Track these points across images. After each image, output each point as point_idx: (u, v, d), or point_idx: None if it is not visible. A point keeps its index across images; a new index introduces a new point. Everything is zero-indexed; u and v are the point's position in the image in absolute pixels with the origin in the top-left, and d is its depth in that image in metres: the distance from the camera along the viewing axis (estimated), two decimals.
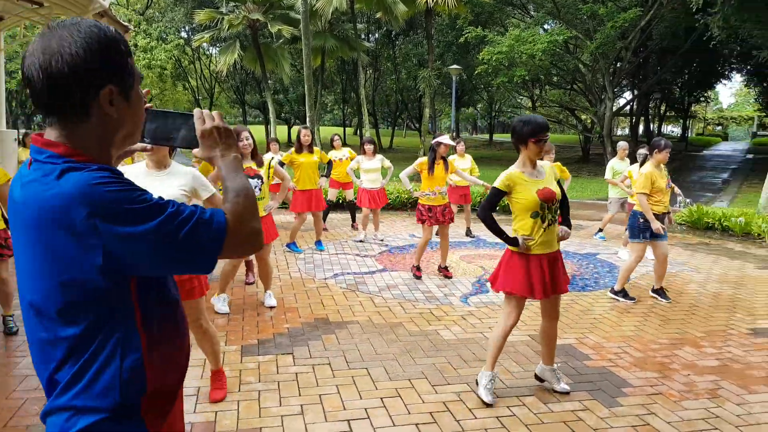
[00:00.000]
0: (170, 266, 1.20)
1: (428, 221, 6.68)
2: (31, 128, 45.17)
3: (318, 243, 8.36)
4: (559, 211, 3.73)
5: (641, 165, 7.89)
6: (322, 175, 8.22)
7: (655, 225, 5.71)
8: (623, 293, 6.10)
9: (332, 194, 9.83)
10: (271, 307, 5.58)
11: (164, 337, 1.27)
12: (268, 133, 36.99)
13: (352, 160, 9.12)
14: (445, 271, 6.88)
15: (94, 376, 1.17)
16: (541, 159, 3.76)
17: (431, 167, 6.59)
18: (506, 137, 62.95)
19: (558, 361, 4.38)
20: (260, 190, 5.28)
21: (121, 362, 1.19)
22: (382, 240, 8.97)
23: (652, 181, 5.87)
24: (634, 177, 8.06)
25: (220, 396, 3.68)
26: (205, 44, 29.07)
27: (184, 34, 37.82)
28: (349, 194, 9.78)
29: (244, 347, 4.57)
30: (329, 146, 10.08)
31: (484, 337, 4.89)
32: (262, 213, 4.54)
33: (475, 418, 3.51)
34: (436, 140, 6.63)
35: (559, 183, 3.75)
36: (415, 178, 7.00)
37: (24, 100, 37.87)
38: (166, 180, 3.29)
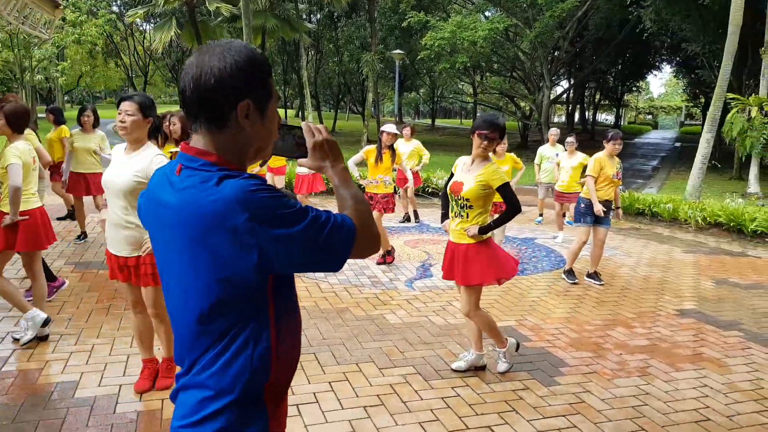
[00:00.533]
0: (310, 265, 1.33)
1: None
2: None
3: None
4: (469, 209, 3.79)
5: (569, 152, 8.26)
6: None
7: (597, 207, 6.01)
8: (569, 273, 6.44)
9: (280, 181, 9.69)
10: None
11: (288, 331, 1.39)
12: None
13: None
14: (381, 259, 6.89)
15: (229, 362, 1.29)
16: (485, 155, 3.78)
17: (379, 156, 6.63)
18: (448, 122, 63.75)
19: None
20: None
21: (253, 351, 1.30)
22: None
23: (601, 167, 6.15)
24: (562, 165, 8.39)
25: (168, 384, 3.60)
26: (138, 20, 27.89)
27: (115, 8, 36.14)
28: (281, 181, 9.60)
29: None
30: None
31: (429, 321, 5.01)
32: None
33: (421, 399, 3.61)
34: (381, 129, 6.68)
35: (505, 188, 3.74)
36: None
37: None
38: (128, 164, 3.18)
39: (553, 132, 9.64)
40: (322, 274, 6.31)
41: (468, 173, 3.78)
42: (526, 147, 32.73)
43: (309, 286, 5.87)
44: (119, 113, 3.16)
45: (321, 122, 33.99)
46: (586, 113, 46.28)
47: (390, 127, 6.67)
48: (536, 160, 9.67)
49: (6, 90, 38.86)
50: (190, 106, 1.31)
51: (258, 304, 1.31)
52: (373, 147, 6.71)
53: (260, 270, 1.26)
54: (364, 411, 3.44)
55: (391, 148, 6.72)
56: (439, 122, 58.16)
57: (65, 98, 43.31)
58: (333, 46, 36.02)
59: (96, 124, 7.15)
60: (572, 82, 35.49)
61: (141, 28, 39.20)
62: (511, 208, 3.78)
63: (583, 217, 6.23)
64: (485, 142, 3.66)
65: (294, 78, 39.94)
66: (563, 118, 52.89)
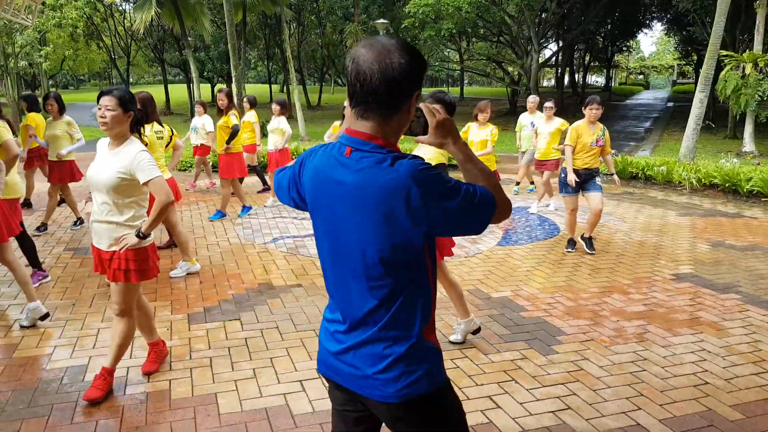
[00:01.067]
0: (461, 230, 1.58)
1: None
2: None
3: (218, 213, 7.98)
4: None
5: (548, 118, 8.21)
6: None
7: (570, 177, 6.00)
8: (569, 243, 6.46)
9: (248, 158, 9.61)
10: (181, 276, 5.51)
11: (435, 283, 1.65)
12: (191, 92, 35.60)
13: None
14: None
15: (401, 313, 1.57)
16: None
17: None
18: (434, 90, 63.22)
19: (495, 313, 4.62)
20: None
21: (420, 302, 1.60)
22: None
23: (579, 134, 6.11)
24: (540, 131, 8.37)
25: (155, 368, 3.64)
26: (117, 0, 27.33)
27: None
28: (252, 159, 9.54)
29: (191, 315, 4.54)
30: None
31: None
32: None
33: None
34: (343, 105, 6.57)
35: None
36: None
37: None
38: (111, 160, 3.14)
39: (531, 99, 9.54)
40: (316, 251, 6.32)
41: (426, 155, 3.72)
42: (515, 113, 32.62)
43: (305, 264, 5.89)
44: (99, 108, 3.10)
45: (306, 96, 33.63)
46: (576, 76, 46.05)
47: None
48: (516, 128, 9.75)
49: None
50: (367, 96, 1.51)
51: (420, 263, 1.57)
52: (338, 123, 6.63)
53: (426, 236, 1.54)
54: None
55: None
56: (425, 90, 57.69)
57: (50, 83, 42.59)
58: (315, 17, 35.46)
59: (62, 110, 7.05)
60: (561, 45, 35.15)
61: (121, 9, 38.42)
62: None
63: (564, 187, 6.22)
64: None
65: (277, 52, 39.36)
66: (552, 82, 52.61)
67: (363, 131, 1.55)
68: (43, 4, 24.64)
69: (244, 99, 9.21)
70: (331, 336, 1.69)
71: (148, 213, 3.29)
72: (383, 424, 1.76)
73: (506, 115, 32.69)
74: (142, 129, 3.33)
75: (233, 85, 17.91)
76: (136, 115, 3.19)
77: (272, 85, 47.48)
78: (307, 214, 8.04)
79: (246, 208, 8.16)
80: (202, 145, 9.99)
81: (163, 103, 37.84)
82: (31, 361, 3.79)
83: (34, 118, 7.58)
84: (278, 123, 8.29)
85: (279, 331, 4.27)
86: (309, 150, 1.74)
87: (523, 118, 9.53)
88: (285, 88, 41.72)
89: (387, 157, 1.51)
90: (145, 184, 3.13)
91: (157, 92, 41.39)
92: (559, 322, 4.46)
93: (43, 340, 4.10)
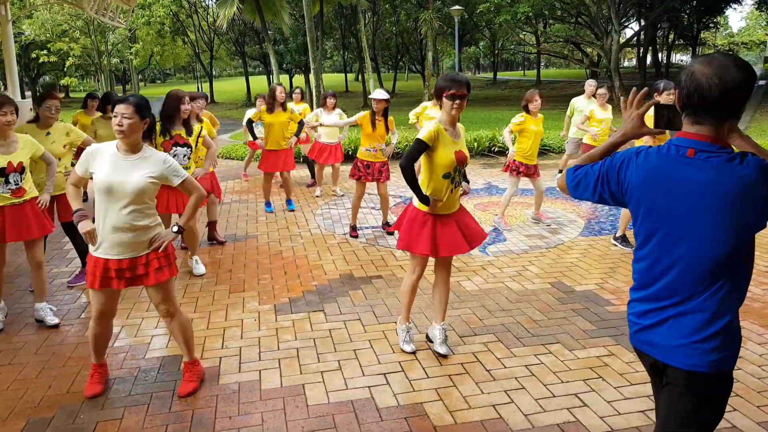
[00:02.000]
0: None
1: (364, 177, 6.56)
2: (36, 93, 44.77)
3: (288, 202, 8.16)
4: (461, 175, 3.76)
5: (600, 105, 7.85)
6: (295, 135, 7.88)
7: None
8: (622, 239, 6.12)
9: (304, 150, 9.79)
10: (201, 275, 5.50)
11: (752, 267, 1.85)
12: (270, 84, 36.56)
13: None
14: (387, 227, 6.86)
15: (730, 293, 1.79)
16: (457, 118, 3.65)
17: (373, 124, 6.44)
18: (511, 75, 61.97)
19: (579, 307, 4.54)
20: (188, 158, 5.29)
21: (743, 285, 1.82)
22: (342, 195, 8.93)
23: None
24: (596, 116, 8.04)
25: (189, 389, 3.46)
26: None
27: None
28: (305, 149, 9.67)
29: (277, 306, 4.74)
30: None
31: (507, 287, 5.04)
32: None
33: (505, 367, 3.68)
34: (370, 97, 6.55)
35: None
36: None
37: (27, 64, 37.34)
38: (137, 165, 3.14)
39: (591, 83, 9.05)
40: (394, 242, 6.42)
41: (457, 138, 3.64)
42: (595, 96, 31.48)
43: (384, 255, 6.00)
44: (115, 116, 3.08)
45: (381, 84, 33.87)
46: (660, 55, 43.80)
47: (379, 94, 6.46)
48: (567, 112, 9.20)
49: (84, 74, 40.69)
50: (705, 105, 1.73)
51: (751, 248, 1.80)
52: (366, 113, 6.51)
53: (762, 225, 1.75)
54: (449, 379, 3.55)
55: (385, 114, 6.52)
56: (500, 75, 56.66)
57: (139, 77, 44.93)
58: (389, 6, 35.51)
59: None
60: (643, 24, 33.54)
61: (204, 5, 39.93)
62: None
63: None
64: (458, 101, 3.50)
65: (352, 42, 39.73)
66: (634, 62, 50.28)
67: (704, 134, 1.77)
68: (136, 5, 26.04)
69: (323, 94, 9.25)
70: (644, 314, 1.93)
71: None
72: None
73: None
74: (154, 135, 3.39)
75: (311, 76, 18.28)
76: (151, 122, 3.22)
77: (347, 74, 48.04)
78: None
79: (268, 205, 8.14)
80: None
81: (245, 95, 39.10)
82: (130, 350, 4.08)
83: (80, 117, 7.98)
84: (339, 115, 8.59)
85: (361, 323, 4.39)
86: (627, 152, 1.95)
87: (578, 102, 9.04)
88: (360, 76, 42.06)
89: (735, 156, 1.74)
90: (180, 185, 3.28)
91: (238, 84, 42.82)
92: None
93: (141, 330, 4.40)
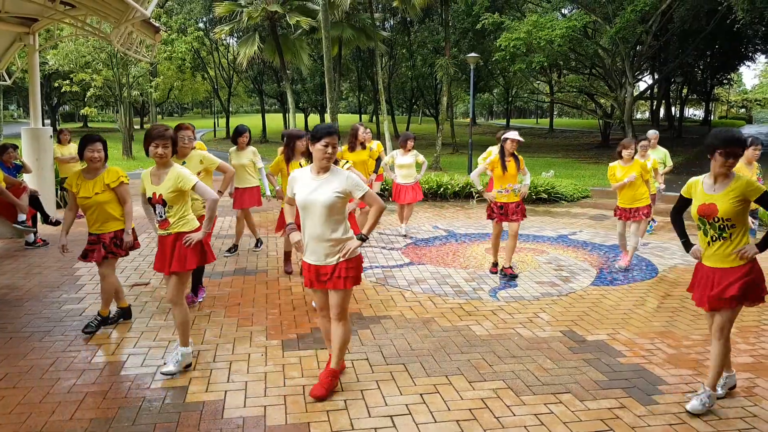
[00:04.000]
0: None
1: (498, 218, 6.67)
2: (56, 121, 45.78)
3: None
4: (732, 229, 3.54)
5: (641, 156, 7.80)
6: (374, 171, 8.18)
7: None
8: None
9: (376, 187, 9.86)
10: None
11: None
12: (286, 122, 37.11)
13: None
14: (508, 270, 6.74)
15: None
16: (728, 172, 3.56)
17: (503, 165, 6.49)
18: (524, 122, 62.57)
19: (590, 357, 4.48)
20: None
21: None
22: (405, 235, 8.98)
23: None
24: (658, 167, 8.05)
25: (319, 393, 3.76)
26: (223, 35, 29.23)
27: (201, 25, 37.97)
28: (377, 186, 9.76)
29: (285, 342, 4.71)
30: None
31: (516, 333, 4.98)
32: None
33: (514, 415, 3.61)
34: (503, 136, 6.56)
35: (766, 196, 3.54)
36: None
37: (49, 93, 38.27)
38: (324, 184, 3.61)
39: (653, 134, 9.04)
40: (405, 282, 6.40)
41: (716, 192, 3.57)
42: (607, 146, 31.65)
43: (394, 295, 5.97)
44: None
45: (394, 126, 34.24)
46: (673, 108, 44.16)
47: (513, 134, 6.53)
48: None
49: (104, 105, 41.51)
50: None
51: None
52: (496, 156, 6.56)
53: None
54: (458, 425, 3.48)
55: (514, 155, 6.57)
56: (513, 122, 57.24)
57: (157, 110, 45.82)
58: (406, 51, 36.25)
59: (249, 142, 7.60)
60: (656, 77, 33.95)
61: (225, 43, 40.97)
62: None
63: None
64: (731, 160, 3.51)
65: (368, 84, 40.43)
66: (647, 115, 50.68)
67: None
68: (160, 41, 26.80)
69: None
70: None
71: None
72: None
73: (598, 147, 31.81)
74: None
75: (327, 116, 18.56)
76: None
77: (362, 115, 48.73)
78: (395, 244, 8.21)
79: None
80: None
81: (260, 132, 39.70)
82: (136, 379, 4.05)
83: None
84: (415, 156, 8.87)
85: (369, 363, 4.34)
86: None
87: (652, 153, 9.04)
88: (374, 117, 42.65)
89: None
90: (361, 198, 3.68)
91: (254, 121, 43.60)
92: (659, 371, 4.25)
93: (149, 360, 4.38)
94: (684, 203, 3.81)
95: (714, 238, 3.59)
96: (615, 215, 7.16)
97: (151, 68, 27.50)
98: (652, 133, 8.86)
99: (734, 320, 3.65)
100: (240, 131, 7.49)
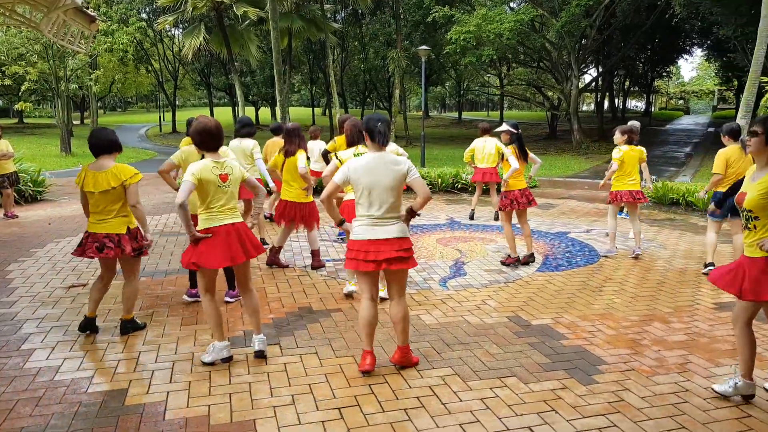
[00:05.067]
0: None
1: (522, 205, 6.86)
2: (10, 116, 43.46)
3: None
4: (755, 220, 3.43)
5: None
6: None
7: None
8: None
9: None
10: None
11: None
12: (235, 115, 36.47)
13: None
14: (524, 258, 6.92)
15: None
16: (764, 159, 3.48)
17: (520, 155, 6.68)
18: (475, 115, 63.26)
19: (535, 341, 4.58)
20: None
21: None
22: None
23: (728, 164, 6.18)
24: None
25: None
26: (168, 26, 28.43)
27: (144, 15, 36.84)
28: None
29: (232, 339, 4.63)
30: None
31: (465, 321, 5.05)
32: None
33: (461, 401, 3.66)
34: (500, 129, 6.78)
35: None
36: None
37: None
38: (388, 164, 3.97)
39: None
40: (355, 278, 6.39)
41: (752, 181, 3.49)
42: (555, 138, 32.38)
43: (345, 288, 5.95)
44: None
45: None
46: (616, 101, 45.50)
47: (503, 126, 6.74)
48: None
49: (41, 99, 39.88)
50: None
51: None
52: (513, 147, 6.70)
53: None
54: (405, 413, 3.50)
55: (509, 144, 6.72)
56: (465, 115, 57.84)
57: (98, 105, 44.30)
58: (358, 43, 36.13)
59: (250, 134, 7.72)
60: (600, 70, 34.89)
61: (170, 34, 39.87)
62: None
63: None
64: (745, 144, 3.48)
65: (320, 77, 40.14)
66: (592, 107, 52.06)
67: None
68: (97, 30, 25.83)
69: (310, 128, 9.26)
70: None
71: None
72: None
73: (546, 139, 32.50)
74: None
75: (277, 108, 18.33)
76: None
77: (315, 109, 48.36)
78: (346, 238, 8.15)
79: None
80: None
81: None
82: (72, 384, 3.91)
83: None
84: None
85: (318, 357, 4.32)
86: None
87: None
88: (327, 111, 42.39)
89: None
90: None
91: (202, 114, 42.67)
92: (599, 351, 4.39)
93: (86, 362, 4.23)
94: (740, 185, 3.68)
95: (745, 227, 3.52)
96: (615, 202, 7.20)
97: (90, 60, 26.49)
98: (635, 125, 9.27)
99: (751, 312, 3.53)
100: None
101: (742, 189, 3.54)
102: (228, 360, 4.20)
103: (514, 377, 3.97)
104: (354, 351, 4.39)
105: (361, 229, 3.93)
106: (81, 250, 4.50)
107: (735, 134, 6.25)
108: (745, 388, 3.59)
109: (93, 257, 4.51)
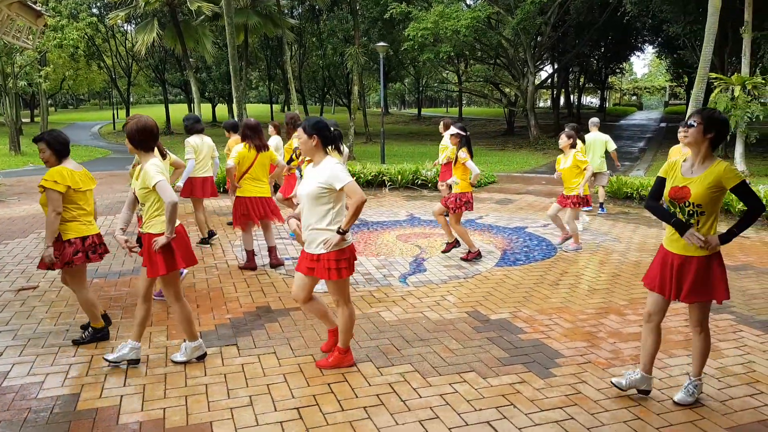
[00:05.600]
0: None
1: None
2: None
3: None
4: (700, 216, 3.32)
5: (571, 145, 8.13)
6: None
7: None
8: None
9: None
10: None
11: None
12: (191, 112, 35.76)
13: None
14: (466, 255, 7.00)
15: None
16: (703, 152, 3.34)
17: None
18: (435, 111, 63.66)
19: (493, 336, 4.62)
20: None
21: None
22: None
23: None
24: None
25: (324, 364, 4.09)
26: (120, 21, 27.65)
27: (95, 11, 35.75)
28: None
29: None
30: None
31: (425, 317, 5.05)
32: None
33: (420, 397, 3.65)
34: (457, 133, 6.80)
35: (742, 186, 3.28)
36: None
37: None
38: (312, 175, 3.80)
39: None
40: None
41: (692, 174, 3.35)
42: (512, 133, 32.85)
43: None
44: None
45: (306, 115, 33.94)
46: (571, 97, 46.44)
47: (452, 130, 6.87)
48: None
49: None
50: None
51: None
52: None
53: None
54: (365, 411, 3.48)
55: (459, 147, 6.81)
56: (425, 111, 58.13)
57: (48, 102, 42.84)
58: (316, 40, 35.87)
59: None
60: (556, 67, 35.54)
61: (123, 30, 38.80)
62: (755, 207, 3.27)
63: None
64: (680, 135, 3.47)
65: (278, 73, 39.72)
66: (548, 103, 53.02)
67: None
68: (45, 25, 24.92)
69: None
70: None
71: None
72: None
73: (504, 135, 32.95)
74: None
75: (234, 105, 18.04)
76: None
77: (273, 105, 47.83)
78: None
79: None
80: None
81: (164, 123, 38.07)
82: (21, 389, 3.77)
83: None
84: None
85: (276, 356, 4.26)
86: None
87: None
88: (286, 107, 41.95)
89: None
90: (341, 189, 3.75)
91: (157, 112, 41.76)
92: (557, 345, 4.45)
93: (36, 367, 4.08)
94: (661, 186, 3.50)
95: (687, 223, 3.35)
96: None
97: (40, 57, 25.57)
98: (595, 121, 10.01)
99: (707, 313, 3.50)
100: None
101: (678, 183, 3.37)
102: (203, 358, 4.17)
103: (473, 372, 3.99)
104: (313, 350, 4.35)
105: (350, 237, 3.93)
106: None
107: None
108: (641, 382, 3.61)
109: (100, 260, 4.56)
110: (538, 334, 4.66)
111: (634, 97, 67.54)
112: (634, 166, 18.89)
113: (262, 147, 6.37)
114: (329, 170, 3.72)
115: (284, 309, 5.26)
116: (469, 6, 27.73)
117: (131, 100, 46.34)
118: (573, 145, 7.24)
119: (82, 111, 66.88)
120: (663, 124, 36.72)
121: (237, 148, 6.44)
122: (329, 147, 3.87)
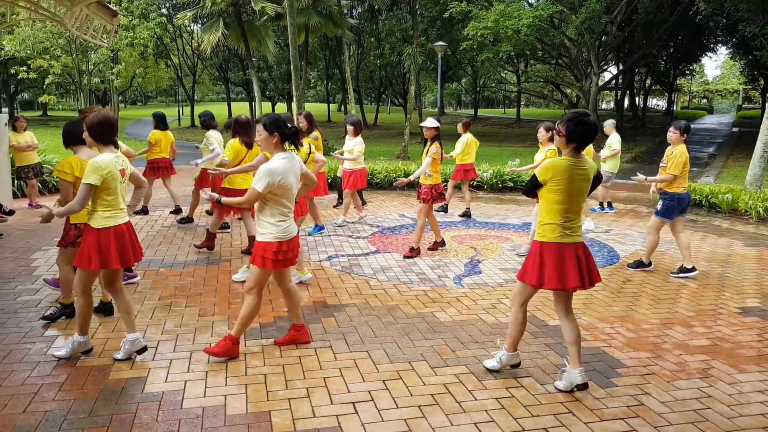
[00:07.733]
0: None
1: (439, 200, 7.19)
2: (14, 109, 44.31)
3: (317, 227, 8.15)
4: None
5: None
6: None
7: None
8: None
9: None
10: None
11: None
12: (252, 111, 36.63)
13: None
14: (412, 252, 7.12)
15: None
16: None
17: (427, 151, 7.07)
18: (491, 112, 63.00)
19: (551, 342, 4.53)
20: None
21: None
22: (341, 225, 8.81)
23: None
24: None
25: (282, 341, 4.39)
26: (187, 21, 28.61)
27: (164, 11, 37.08)
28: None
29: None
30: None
31: (480, 319, 5.01)
32: None
33: (476, 399, 3.63)
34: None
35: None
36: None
37: (6, 80, 36.91)
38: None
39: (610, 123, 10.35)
40: (370, 270, 6.38)
41: None
42: None
43: (359, 283, 5.94)
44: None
45: (363, 115, 34.14)
46: (636, 99, 44.96)
47: (427, 122, 7.05)
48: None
49: (64, 92, 40.39)
50: None
51: None
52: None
53: None
54: (419, 410, 3.48)
55: (433, 141, 6.97)
56: (481, 112, 57.58)
57: (119, 99, 44.74)
58: (374, 39, 36.05)
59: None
60: (621, 68, 34.46)
61: (189, 29, 40.10)
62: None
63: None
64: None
65: (336, 72, 40.15)
66: (612, 105, 51.54)
67: None
68: (119, 25, 26.05)
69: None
70: None
71: None
72: None
73: None
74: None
75: (293, 104, 18.35)
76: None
77: (330, 104, 48.43)
78: (361, 233, 8.18)
79: (318, 228, 8.09)
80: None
81: (226, 120, 39.10)
82: (93, 371, 3.95)
83: (155, 135, 8.88)
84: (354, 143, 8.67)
85: (332, 350, 4.31)
86: None
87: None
88: (343, 107, 42.41)
89: None
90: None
91: (220, 110, 42.91)
92: (618, 354, 4.33)
93: (105, 351, 4.27)
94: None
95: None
96: None
97: (112, 55, 26.76)
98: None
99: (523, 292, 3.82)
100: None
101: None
102: (142, 350, 4.10)
103: (530, 378, 3.92)
104: (368, 346, 4.38)
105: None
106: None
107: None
108: (509, 359, 3.95)
109: None
110: (598, 342, 4.54)
111: (704, 100, 64.84)
112: (702, 173, 18.09)
113: (248, 144, 6.52)
114: (261, 168, 3.86)
115: (340, 304, 5.32)
116: (530, 5, 27.26)
117: (196, 97, 47.84)
118: (551, 139, 6.96)
119: (150, 107, 69.57)
120: (735, 129, 35.07)
121: (230, 142, 6.59)
122: (286, 143, 4.02)
